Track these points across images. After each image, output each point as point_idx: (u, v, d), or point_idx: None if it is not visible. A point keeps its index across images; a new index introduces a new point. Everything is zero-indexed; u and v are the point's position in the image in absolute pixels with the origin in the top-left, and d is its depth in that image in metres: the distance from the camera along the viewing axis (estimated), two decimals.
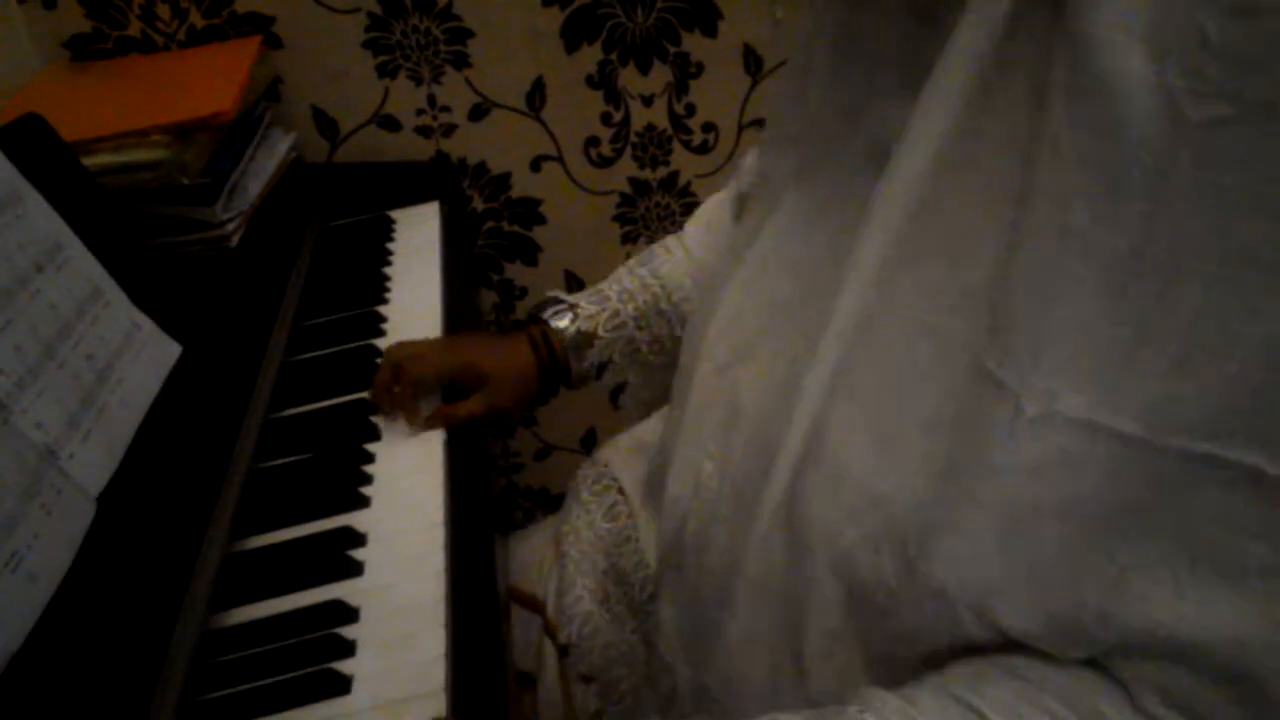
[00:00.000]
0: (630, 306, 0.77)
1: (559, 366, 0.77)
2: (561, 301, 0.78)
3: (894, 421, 0.44)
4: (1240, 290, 0.34)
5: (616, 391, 0.81)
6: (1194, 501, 0.36)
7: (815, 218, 0.55)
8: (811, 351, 0.48)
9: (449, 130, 1.14)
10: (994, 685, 0.41)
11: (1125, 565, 0.38)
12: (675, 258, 0.80)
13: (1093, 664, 0.41)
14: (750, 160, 0.76)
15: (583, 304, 0.78)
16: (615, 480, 0.78)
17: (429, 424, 0.74)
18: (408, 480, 0.70)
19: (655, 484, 0.69)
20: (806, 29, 0.56)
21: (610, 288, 0.79)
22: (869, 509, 0.45)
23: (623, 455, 0.80)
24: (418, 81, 1.10)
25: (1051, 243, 0.38)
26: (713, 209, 0.81)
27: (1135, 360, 0.36)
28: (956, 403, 0.42)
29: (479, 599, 0.63)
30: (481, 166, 1.18)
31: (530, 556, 0.83)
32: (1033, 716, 0.40)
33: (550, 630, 0.75)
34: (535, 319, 0.78)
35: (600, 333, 0.77)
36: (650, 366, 0.79)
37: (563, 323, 0.77)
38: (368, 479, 0.70)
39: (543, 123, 1.15)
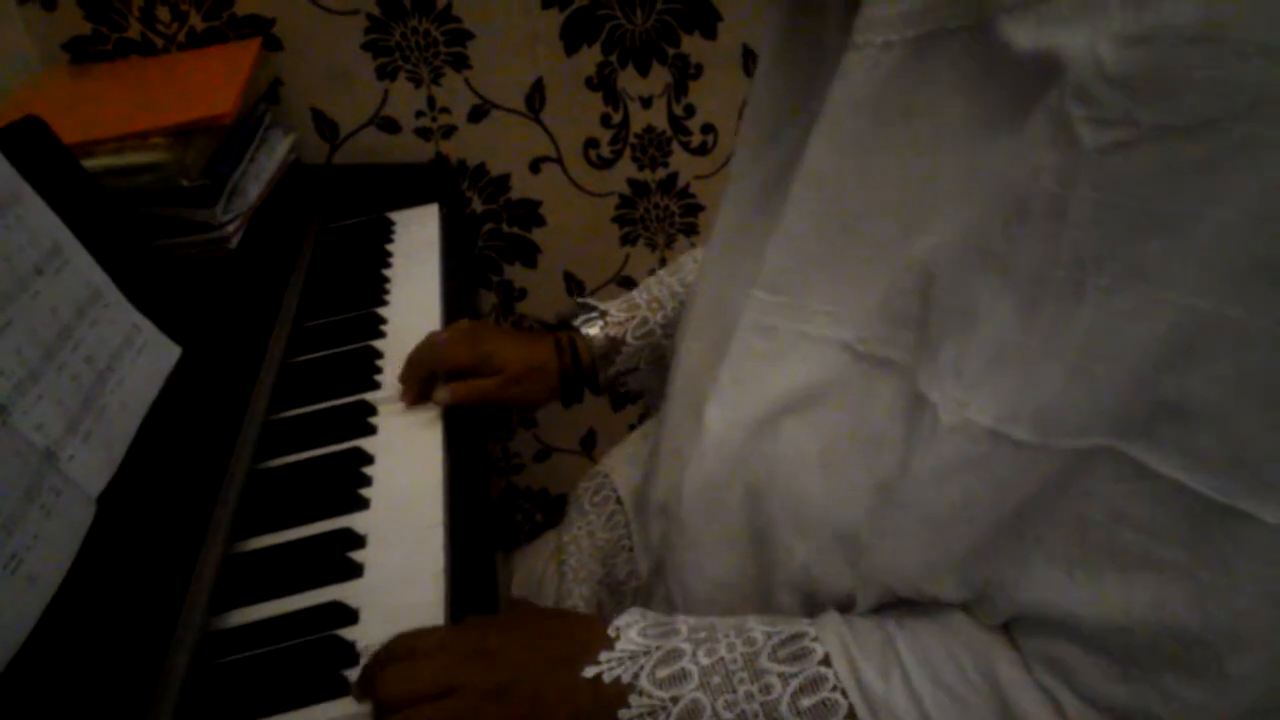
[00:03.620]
0: (658, 315, 0.78)
1: (583, 374, 0.78)
2: (592, 309, 0.79)
3: (842, 444, 0.48)
4: (1131, 300, 0.36)
5: (618, 394, 0.81)
6: (1086, 496, 0.39)
7: (743, 218, 0.57)
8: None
9: (448, 132, 1.14)
10: (919, 623, 0.47)
11: (1028, 550, 0.42)
12: None
13: (1006, 629, 0.45)
14: None
15: (612, 311, 0.79)
16: (614, 490, 0.78)
17: (445, 398, 0.74)
18: (407, 482, 0.70)
19: (644, 496, 0.70)
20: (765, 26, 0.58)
21: (640, 296, 0.80)
22: (820, 525, 0.48)
23: (620, 464, 0.80)
24: (417, 83, 1.11)
25: (970, 262, 0.41)
26: None
27: (1035, 371, 0.39)
28: (894, 424, 0.45)
29: (478, 601, 0.63)
30: (481, 168, 1.18)
31: (532, 568, 0.84)
32: (936, 656, 0.45)
33: None
34: (566, 325, 0.79)
35: (628, 339, 0.77)
36: None
37: (593, 330, 0.78)
38: (367, 480, 0.70)
39: (542, 124, 1.16)
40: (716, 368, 0.56)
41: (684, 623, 0.51)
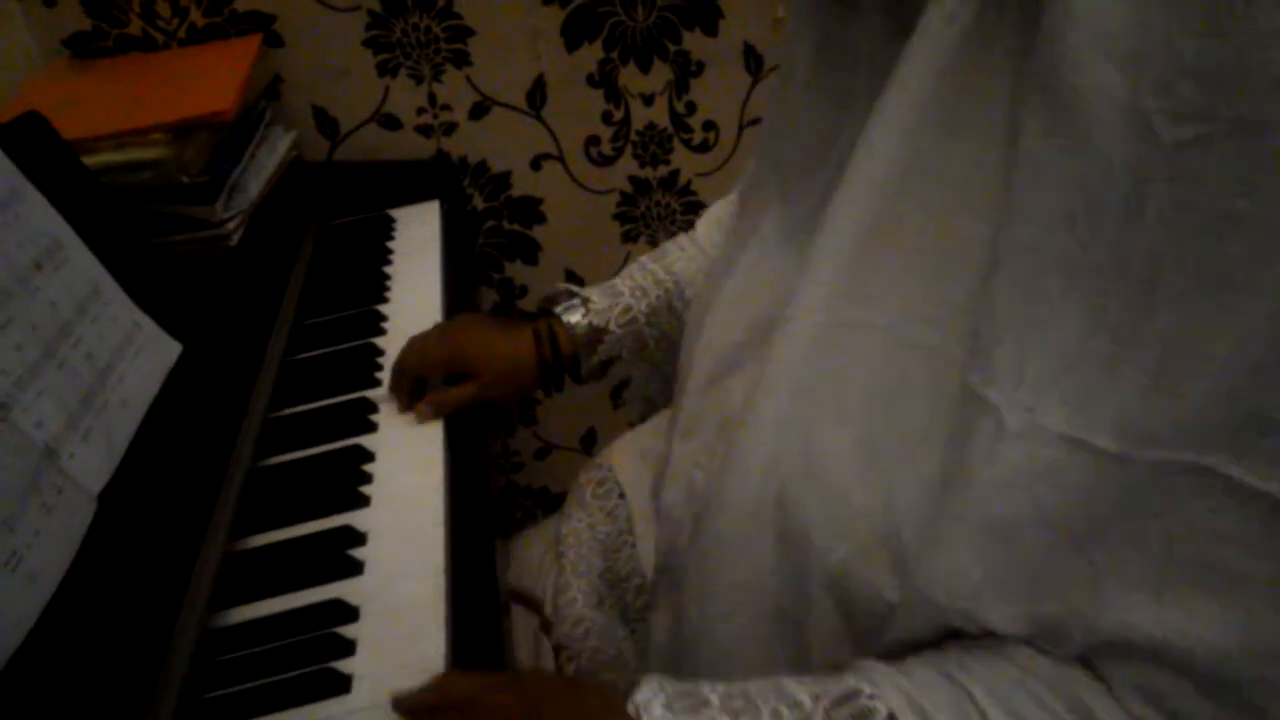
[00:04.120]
0: (643, 303, 0.77)
1: (562, 363, 0.77)
2: (574, 295, 0.78)
3: (884, 439, 0.45)
4: (1211, 306, 0.35)
5: (617, 391, 0.81)
6: (1170, 510, 0.37)
7: (795, 231, 0.56)
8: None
9: (449, 129, 1.14)
10: (984, 665, 0.42)
11: (1104, 571, 0.39)
12: (689, 254, 0.80)
13: (1080, 659, 0.42)
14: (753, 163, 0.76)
15: (595, 298, 0.77)
16: (618, 484, 0.78)
17: (423, 412, 0.74)
18: (408, 479, 0.70)
19: (657, 495, 0.69)
20: (791, 36, 0.56)
21: (623, 283, 0.78)
22: (861, 524, 0.45)
23: (626, 458, 0.80)
24: (418, 80, 1.10)
25: (1033, 262, 0.39)
26: (724, 209, 0.81)
27: (1113, 377, 0.37)
28: (943, 419, 0.43)
29: (479, 598, 0.63)
30: (482, 165, 1.18)
31: (530, 557, 0.83)
32: (1018, 699, 0.41)
33: (547, 629, 0.75)
34: (546, 313, 0.78)
35: (611, 328, 0.76)
36: (655, 364, 0.79)
37: (574, 318, 0.76)
38: (368, 478, 0.70)
39: (543, 121, 1.15)
40: (736, 373, 0.56)
41: (712, 691, 0.44)
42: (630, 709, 0.44)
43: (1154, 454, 0.37)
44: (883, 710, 0.41)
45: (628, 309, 0.76)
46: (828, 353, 0.48)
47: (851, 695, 0.42)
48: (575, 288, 0.79)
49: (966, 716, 0.41)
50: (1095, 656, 0.42)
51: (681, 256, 0.80)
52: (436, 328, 0.81)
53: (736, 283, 0.60)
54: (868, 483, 0.45)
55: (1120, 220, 0.36)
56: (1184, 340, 0.36)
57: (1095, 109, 0.36)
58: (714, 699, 0.44)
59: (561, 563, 0.77)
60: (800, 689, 0.43)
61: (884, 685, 0.42)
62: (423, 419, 0.74)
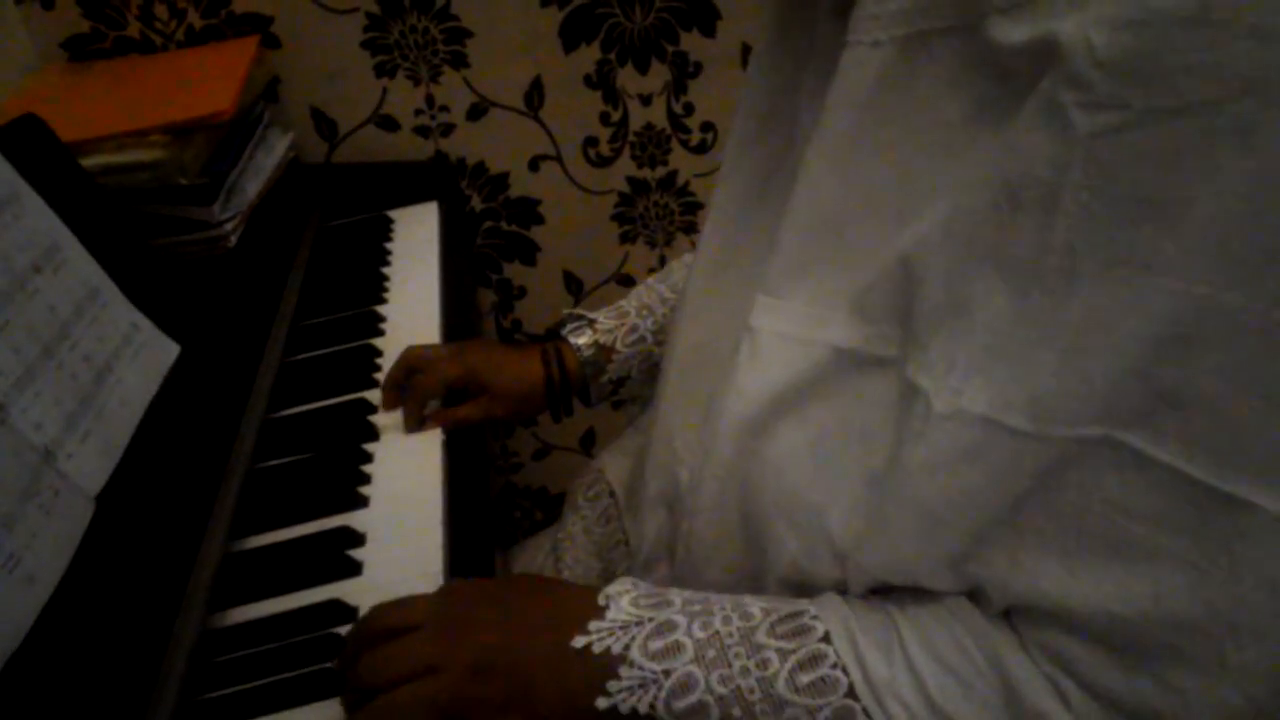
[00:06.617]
0: (649, 321, 0.78)
1: (570, 385, 0.77)
2: (580, 318, 0.79)
3: (831, 437, 0.47)
4: (1123, 288, 0.36)
5: (614, 403, 0.81)
6: (1083, 484, 0.39)
7: (739, 214, 0.57)
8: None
9: (447, 130, 1.14)
10: (921, 606, 0.46)
11: (1024, 540, 0.41)
12: None
13: (1004, 616, 0.45)
14: None
15: (601, 320, 0.78)
16: (608, 484, 0.78)
17: (426, 424, 0.74)
18: (406, 480, 0.70)
19: (635, 490, 0.69)
20: (759, 27, 0.58)
21: (629, 303, 0.79)
22: (808, 520, 0.48)
23: (615, 460, 0.80)
24: (416, 81, 1.10)
25: (965, 254, 0.40)
26: None
27: (1028, 358, 0.39)
28: (885, 417, 0.45)
29: None
30: (480, 166, 1.18)
31: (531, 564, 0.84)
32: (940, 638, 0.45)
33: None
34: (554, 335, 0.79)
35: (618, 347, 0.77)
36: None
37: (582, 339, 0.77)
38: (366, 479, 0.70)
39: (541, 122, 1.15)
40: (707, 365, 0.57)
41: (677, 595, 0.50)
42: (600, 599, 0.49)
43: (1066, 431, 0.38)
44: (820, 629, 0.46)
45: (634, 328, 0.77)
46: (770, 361, 0.49)
47: (797, 614, 0.47)
48: (583, 311, 0.80)
49: (890, 645, 0.45)
50: (1014, 617, 0.44)
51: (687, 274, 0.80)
52: (447, 346, 0.81)
53: (702, 272, 0.61)
54: (817, 479, 0.47)
55: (1040, 209, 0.37)
56: (1098, 320, 0.37)
57: (1016, 106, 0.38)
58: (677, 600, 0.49)
59: (559, 567, 0.77)
60: (755, 604, 0.49)
61: (827, 609, 0.47)
62: (427, 429, 0.74)
